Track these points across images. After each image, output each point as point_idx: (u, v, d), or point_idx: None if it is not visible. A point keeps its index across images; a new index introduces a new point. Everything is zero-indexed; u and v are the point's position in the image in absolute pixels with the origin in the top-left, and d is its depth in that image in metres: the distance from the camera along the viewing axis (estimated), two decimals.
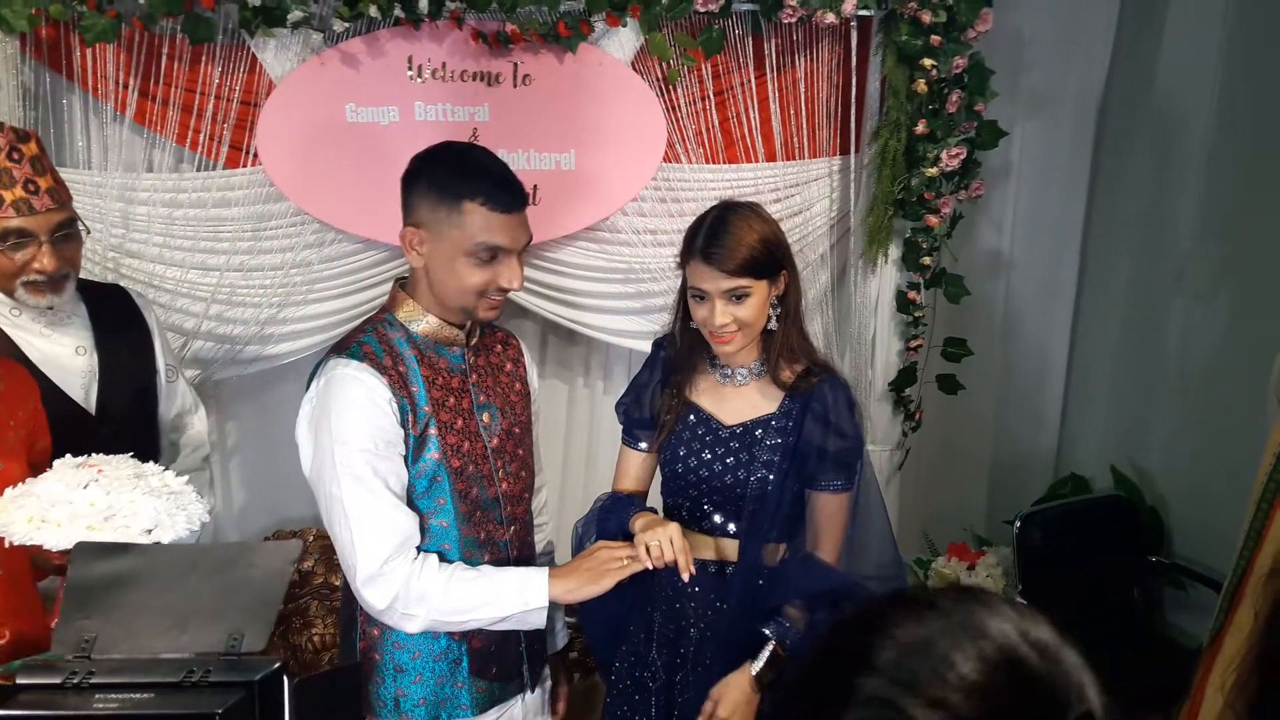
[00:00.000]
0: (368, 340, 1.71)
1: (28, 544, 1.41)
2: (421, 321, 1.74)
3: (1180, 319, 3.14)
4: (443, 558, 1.72)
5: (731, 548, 1.93)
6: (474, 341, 1.81)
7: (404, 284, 1.78)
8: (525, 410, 1.92)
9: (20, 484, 1.51)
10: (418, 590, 1.64)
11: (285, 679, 0.81)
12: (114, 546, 0.89)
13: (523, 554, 1.90)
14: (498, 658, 1.84)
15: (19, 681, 0.78)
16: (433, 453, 1.71)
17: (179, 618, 0.84)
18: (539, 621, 1.70)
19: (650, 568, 1.69)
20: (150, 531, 1.42)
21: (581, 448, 3.32)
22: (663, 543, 1.69)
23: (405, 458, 1.69)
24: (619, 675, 2.07)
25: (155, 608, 0.84)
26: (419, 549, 1.69)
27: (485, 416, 1.80)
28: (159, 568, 0.87)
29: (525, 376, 1.95)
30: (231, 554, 0.89)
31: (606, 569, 1.69)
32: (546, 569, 1.72)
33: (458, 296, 1.70)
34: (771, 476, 1.89)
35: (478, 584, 1.68)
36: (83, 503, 1.41)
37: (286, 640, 2.77)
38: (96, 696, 0.76)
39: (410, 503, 1.70)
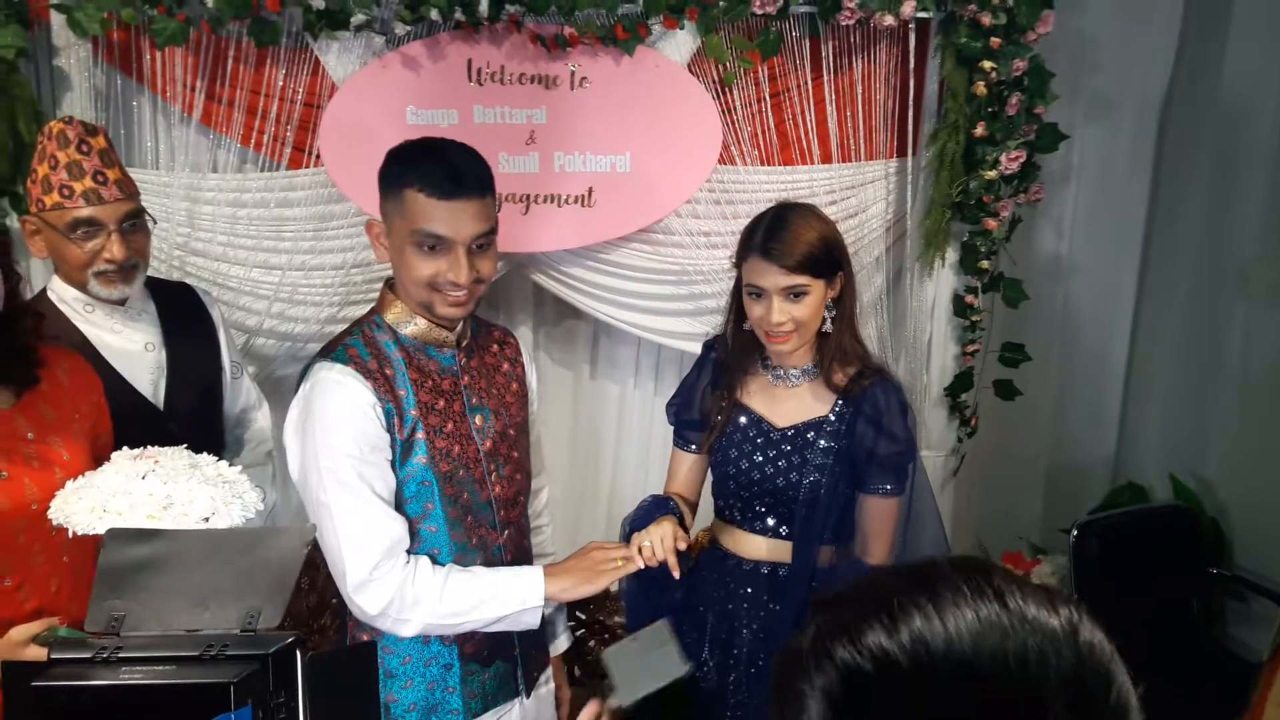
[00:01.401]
0: (354, 343, 1.68)
1: (90, 534, 1.46)
2: (410, 324, 1.71)
3: (1242, 325, 3.08)
4: (434, 561, 1.69)
5: (783, 549, 1.93)
6: (465, 342, 1.77)
7: (393, 285, 1.74)
8: (521, 411, 1.88)
9: (81, 476, 1.56)
10: (412, 595, 1.63)
11: (299, 653, 0.85)
12: (143, 532, 0.94)
13: (517, 558, 1.87)
14: (490, 662, 1.82)
15: (52, 656, 0.83)
16: (420, 457, 1.68)
17: (202, 597, 0.89)
18: (533, 621, 1.69)
19: (643, 567, 1.69)
20: (208, 519, 1.46)
21: (632, 449, 3.34)
22: (654, 542, 1.69)
23: (392, 462, 1.67)
24: None
25: (180, 589, 0.89)
26: (409, 553, 1.67)
27: (478, 419, 1.76)
28: (184, 552, 0.91)
29: (523, 376, 1.90)
30: (250, 539, 0.93)
31: (601, 570, 1.69)
32: (541, 567, 1.70)
33: (413, 290, 1.66)
34: (823, 479, 1.88)
35: (473, 584, 1.66)
36: (142, 493, 1.45)
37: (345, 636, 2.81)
38: (123, 669, 0.81)
39: (398, 507, 1.68)
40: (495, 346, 1.87)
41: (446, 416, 1.71)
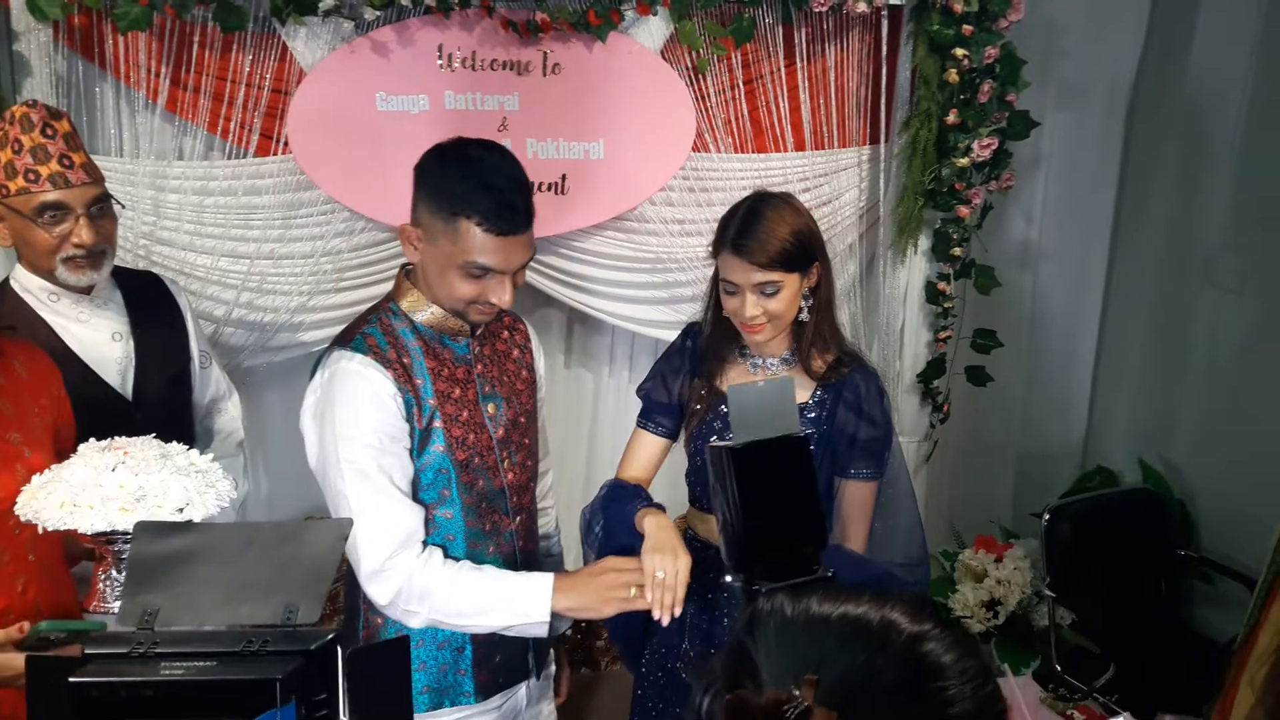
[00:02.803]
0: (371, 332, 1.69)
1: (61, 529, 1.43)
2: (425, 312, 1.71)
3: (1210, 311, 3.13)
4: (447, 552, 1.70)
5: None
6: (479, 331, 1.78)
7: (409, 272, 1.75)
8: (531, 399, 1.89)
9: (48, 470, 1.52)
10: (420, 586, 1.63)
11: (339, 649, 0.84)
12: (174, 525, 0.93)
13: (528, 543, 1.88)
14: (501, 646, 1.82)
15: (87, 652, 0.80)
16: (437, 445, 1.69)
17: (237, 592, 0.87)
18: (541, 632, 1.68)
19: (650, 608, 1.61)
20: (182, 510, 1.44)
21: (606, 437, 3.33)
22: (669, 575, 1.61)
23: (410, 451, 1.68)
24: (649, 667, 2.06)
25: (214, 582, 0.87)
26: (424, 542, 1.68)
27: (490, 407, 1.77)
28: (217, 545, 0.90)
29: (532, 363, 1.92)
30: (286, 532, 0.92)
31: (611, 596, 1.64)
32: (551, 578, 1.67)
33: (448, 301, 1.69)
34: None
35: (482, 588, 1.66)
36: (112, 485, 1.42)
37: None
38: (162, 665, 0.79)
39: (415, 495, 1.69)
40: (505, 333, 1.88)
41: (462, 405, 1.72)
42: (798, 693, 0.72)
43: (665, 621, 1.61)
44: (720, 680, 0.79)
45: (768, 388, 1.26)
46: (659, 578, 1.61)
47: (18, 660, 1.43)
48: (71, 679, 0.77)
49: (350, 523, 0.95)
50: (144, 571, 0.87)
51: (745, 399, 1.24)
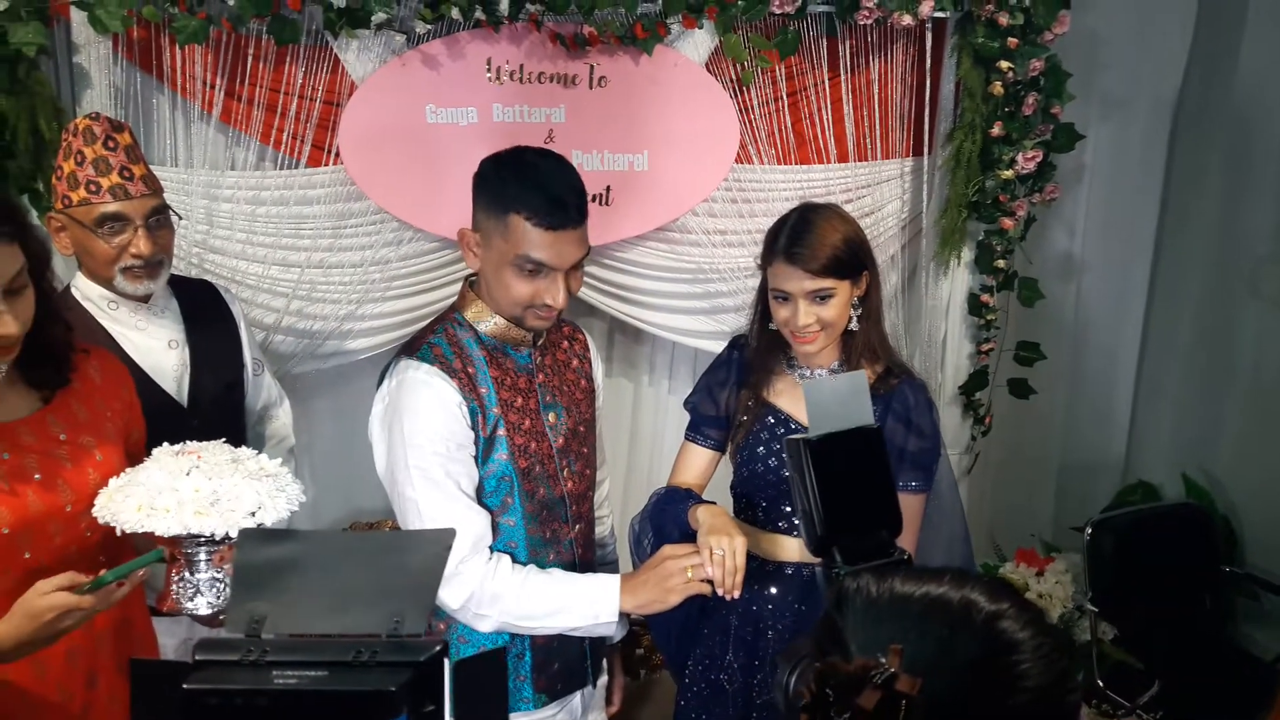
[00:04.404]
0: (437, 342, 1.72)
1: (138, 531, 1.46)
2: (489, 322, 1.74)
3: (1254, 324, 3.10)
4: (514, 558, 1.73)
5: None
6: (540, 341, 1.81)
7: (473, 283, 1.78)
8: (590, 408, 1.92)
9: (122, 474, 1.55)
10: (492, 591, 1.66)
11: (446, 660, 0.85)
12: (275, 533, 0.94)
13: (587, 551, 1.91)
14: (560, 654, 1.85)
15: (197, 658, 0.82)
16: (501, 454, 1.72)
17: (340, 600, 0.88)
18: (609, 631, 1.72)
19: (712, 590, 1.63)
20: (254, 514, 1.47)
21: (646, 447, 3.34)
22: (728, 553, 1.63)
23: (475, 458, 1.71)
24: (692, 678, 2.06)
25: (318, 591, 0.88)
26: (491, 548, 1.71)
27: (551, 416, 1.80)
28: (317, 554, 0.90)
29: (591, 372, 1.94)
30: (388, 541, 0.93)
31: (673, 584, 1.65)
32: (618, 578, 1.70)
33: (506, 305, 1.71)
34: None
35: (551, 591, 1.69)
36: (188, 489, 1.46)
37: None
38: (274, 673, 0.80)
39: (479, 502, 1.72)
40: (565, 343, 1.90)
41: (524, 414, 1.75)
42: (884, 660, 0.77)
43: (730, 598, 1.63)
44: (809, 654, 0.84)
45: (841, 382, 1.28)
46: (718, 555, 1.63)
47: (68, 599, 1.41)
48: (186, 685, 0.77)
49: (453, 533, 0.94)
50: (250, 578, 0.87)
51: (820, 393, 1.27)
